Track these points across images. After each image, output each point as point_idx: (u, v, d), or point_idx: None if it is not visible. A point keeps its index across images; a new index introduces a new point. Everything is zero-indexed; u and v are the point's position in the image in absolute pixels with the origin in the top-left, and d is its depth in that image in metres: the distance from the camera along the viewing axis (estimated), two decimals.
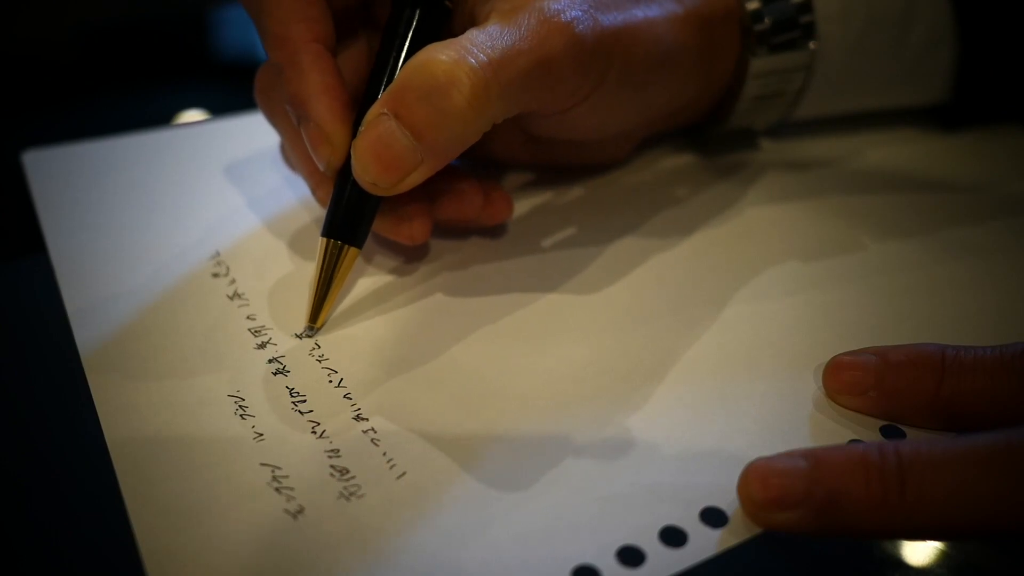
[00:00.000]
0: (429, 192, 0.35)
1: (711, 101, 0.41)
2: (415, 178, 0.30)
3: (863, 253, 0.37)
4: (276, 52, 0.33)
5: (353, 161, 0.30)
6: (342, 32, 0.35)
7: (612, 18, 0.33)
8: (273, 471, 0.28)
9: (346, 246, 0.33)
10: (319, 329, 0.33)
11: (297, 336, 0.33)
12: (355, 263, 0.33)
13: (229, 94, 0.55)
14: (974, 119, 0.44)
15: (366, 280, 0.36)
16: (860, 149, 0.44)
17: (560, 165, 0.41)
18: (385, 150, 0.30)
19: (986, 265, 0.37)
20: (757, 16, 0.38)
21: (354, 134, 0.31)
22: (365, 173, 0.30)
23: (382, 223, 0.35)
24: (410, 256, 0.37)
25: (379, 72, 0.33)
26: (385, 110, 0.30)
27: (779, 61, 0.38)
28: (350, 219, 0.33)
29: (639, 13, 0.34)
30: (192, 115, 0.49)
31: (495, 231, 0.38)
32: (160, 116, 0.48)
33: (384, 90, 0.32)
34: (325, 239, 0.33)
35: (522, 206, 0.40)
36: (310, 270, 0.36)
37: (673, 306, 0.35)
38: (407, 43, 0.33)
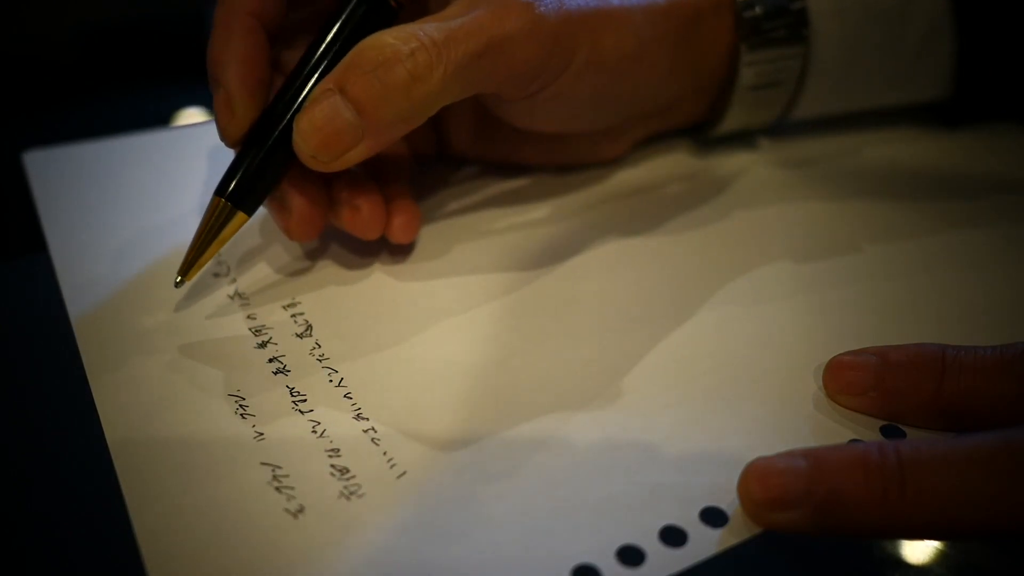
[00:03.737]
0: (330, 195, 0.35)
1: (706, 98, 0.40)
2: (355, 155, 0.31)
3: (862, 253, 0.37)
4: (216, 17, 0.33)
5: (295, 133, 0.31)
6: (301, 26, 0.35)
7: (581, 2, 0.33)
8: (273, 470, 0.28)
9: (236, 210, 0.32)
10: (187, 283, 0.33)
11: (176, 286, 0.33)
12: (239, 228, 0.33)
13: None
14: (975, 117, 0.44)
15: (366, 280, 0.36)
16: (859, 148, 0.44)
17: (550, 163, 0.41)
18: (327, 124, 0.30)
19: (988, 265, 0.37)
20: (747, 5, 0.38)
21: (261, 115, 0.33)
22: (305, 145, 0.31)
23: (270, 201, 0.34)
24: (409, 256, 0.37)
25: (307, 58, 0.33)
26: (331, 86, 0.30)
27: (772, 46, 0.38)
28: (245, 186, 0.33)
29: (615, 1, 0.34)
30: (191, 113, 0.49)
31: (496, 231, 0.38)
32: (159, 115, 0.48)
33: (318, 76, 0.32)
34: (216, 198, 0.32)
35: (519, 206, 0.40)
36: (312, 271, 0.36)
37: (672, 306, 0.35)
38: (345, 32, 0.33)
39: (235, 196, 0.32)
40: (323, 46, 0.33)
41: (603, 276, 0.36)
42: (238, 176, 0.32)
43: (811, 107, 0.41)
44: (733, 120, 0.41)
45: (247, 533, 0.26)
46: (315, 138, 0.31)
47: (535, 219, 0.39)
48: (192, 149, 0.43)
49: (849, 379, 0.30)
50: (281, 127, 0.32)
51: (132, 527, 0.26)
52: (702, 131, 0.43)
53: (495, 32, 0.31)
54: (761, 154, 0.43)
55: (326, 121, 0.30)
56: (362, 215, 0.35)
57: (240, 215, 0.33)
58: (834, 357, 0.31)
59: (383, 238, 0.36)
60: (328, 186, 0.35)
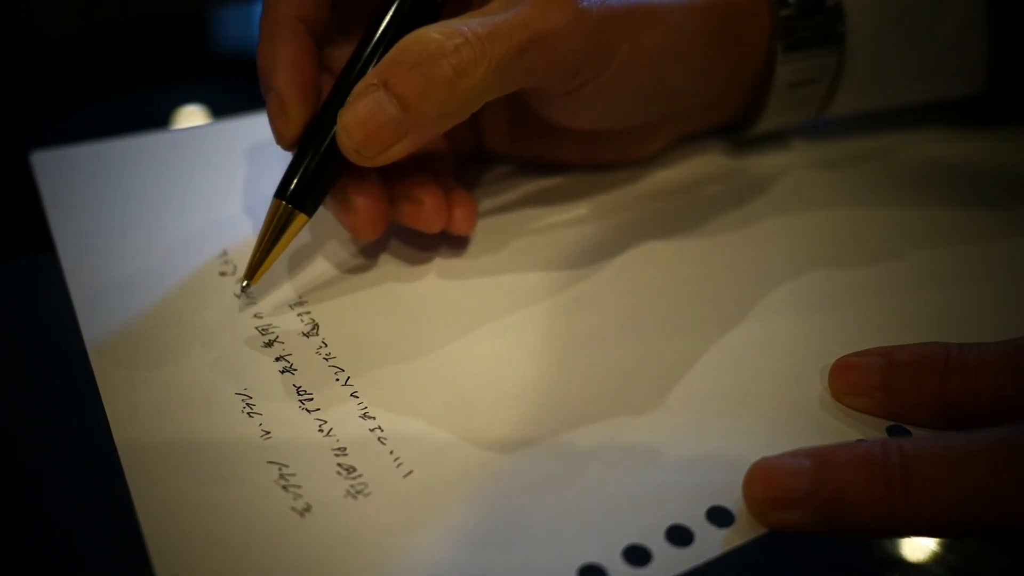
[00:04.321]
0: (391, 193, 0.35)
1: (742, 97, 0.40)
2: (399, 150, 0.31)
3: (879, 253, 0.37)
4: (262, 23, 0.34)
5: (338, 128, 0.31)
6: (346, 25, 0.35)
7: None
8: (280, 469, 0.28)
9: (296, 211, 0.33)
10: (253, 287, 0.34)
11: (238, 296, 0.34)
12: (301, 230, 0.33)
13: (228, 90, 0.55)
14: (1008, 114, 0.43)
15: (373, 279, 0.36)
16: (893, 149, 0.43)
17: (584, 161, 0.41)
18: (370, 119, 0.30)
19: (992, 259, 0.37)
20: (782, 3, 0.38)
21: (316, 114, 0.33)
22: (349, 140, 0.31)
23: (334, 203, 0.35)
24: (417, 254, 0.37)
25: (357, 56, 0.33)
26: (375, 81, 0.30)
27: (808, 43, 0.38)
28: (304, 187, 0.33)
29: None
30: (191, 111, 0.49)
31: (504, 233, 0.38)
32: (159, 112, 0.48)
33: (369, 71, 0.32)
34: (276, 201, 0.33)
35: (548, 205, 0.40)
36: (316, 270, 0.36)
37: (680, 306, 0.35)
38: (392, 29, 0.33)
39: (295, 198, 0.33)
40: (372, 43, 0.33)
41: (610, 276, 0.36)
42: (297, 178, 0.33)
43: (846, 104, 0.41)
44: (770, 119, 0.41)
45: (254, 532, 0.26)
46: (359, 133, 0.31)
47: (551, 218, 0.39)
48: (198, 150, 0.43)
49: (855, 380, 0.30)
50: (336, 127, 0.32)
51: (139, 525, 0.26)
52: (738, 131, 0.43)
53: (539, 27, 0.31)
54: (795, 154, 0.43)
55: (369, 116, 0.30)
56: (425, 208, 0.35)
57: (301, 216, 0.33)
58: (840, 358, 0.31)
59: (375, 237, 0.36)
60: (387, 182, 0.35)
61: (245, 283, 0.33)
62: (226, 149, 0.43)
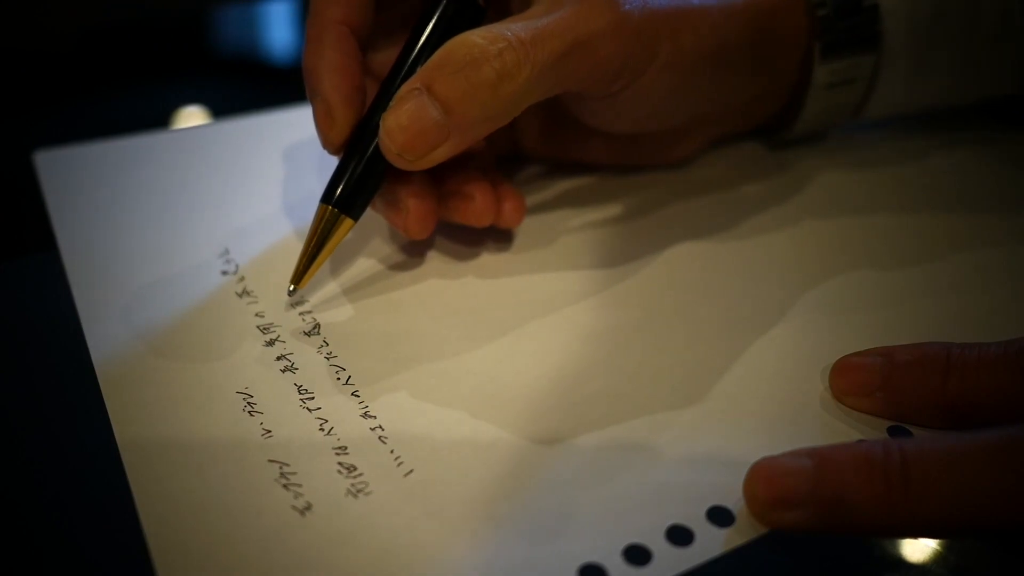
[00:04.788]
0: (440, 191, 0.35)
1: (779, 99, 0.41)
2: (440, 154, 0.31)
3: (909, 257, 0.37)
4: (308, 28, 0.34)
5: (381, 132, 0.31)
6: (389, 29, 0.36)
7: (663, 1, 0.33)
8: (281, 468, 0.28)
9: (342, 215, 0.33)
10: (300, 291, 0.34)
11: (289, 294, 0.34)
12: (347, 234, 0.33)
13: (227, 90, 0.55)
14: None
15: (376, 277, 0.36)
16: (926, 152, 0.43)
17: (617, 163, 0.41)
18: (413, 122, 0.31)
19: (987, 261, 0.37)
20: (819, 3, 0.38)
21: (362, 117, 0.33)
22: (392, 143, 0.31)
23: (383, 203, 0.35)
24: (421, 253, 0.37)
25: (402, 60, 0.33)
26: (418, 85, 0.31)
27: (845, 44, 0.38)
28: (350, 191, 0.33)
29: (695, 0, 0.35)
30: (191, 112, 0.49)
31: (508, 233, 0.38)
32: (159, 112, 0.48)
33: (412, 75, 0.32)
34: (323, 205, 0.33)
35: (572, 204, 0.40)
36: (320, 269, 0.36)
37: (681, 306, 0.35)
38: (436, 33, 0.33)
39: (341, 202, 0.33)
40: (416, 48, 0.33)
41: (612, 276, 0.36)
42: (343, 183, 0.33)
43: (882, 106, 0.41)
44: (807, 121, 0.41)
45: (255, 530, 0.26)
46: (401, 136, 0.31)
47: (591, 221, 0.39)
48: (202, 149, 0.43)
49: (855, 380, 0.30)
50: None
51: (141, 523, 0.26)
52: (775, 133, 0.43)
53: (581, 31, 0.31)
54: (830, 157, 0.43)
55: (412, 120, 0.31)
56: (476, 204, 0.35)
57: (347, 221, 0.33)
58: (841, 358, 0.31)
59: (375, 235, 0.36)
60: (436, 181, 0.35)
61: (292, 288, 0.33)
62: (229, 149, 0.43)
